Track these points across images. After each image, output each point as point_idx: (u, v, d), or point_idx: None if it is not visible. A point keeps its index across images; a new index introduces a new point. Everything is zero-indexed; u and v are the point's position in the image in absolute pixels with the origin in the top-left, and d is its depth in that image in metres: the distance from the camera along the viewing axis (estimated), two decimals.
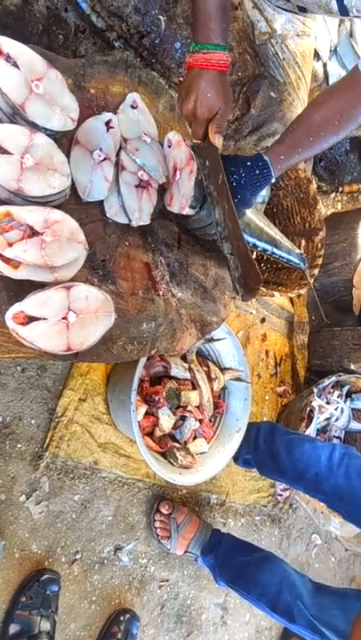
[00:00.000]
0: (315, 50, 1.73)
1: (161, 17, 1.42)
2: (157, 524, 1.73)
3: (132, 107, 1.18)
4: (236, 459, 1.88)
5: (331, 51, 1.92)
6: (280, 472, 1.74)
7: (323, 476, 1.59)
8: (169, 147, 1.19)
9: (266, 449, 1.78)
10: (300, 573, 1.65)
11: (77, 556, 1.55)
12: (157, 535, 1.72)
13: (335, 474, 1.57)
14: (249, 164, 1.15)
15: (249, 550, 1.75)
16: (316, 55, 1.80)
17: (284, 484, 1.93)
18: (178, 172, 1.17)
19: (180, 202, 1.16)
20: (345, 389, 2.26)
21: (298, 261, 1.56)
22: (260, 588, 1.60)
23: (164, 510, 1.73)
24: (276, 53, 1.51)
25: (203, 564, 1.78)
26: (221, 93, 1.09)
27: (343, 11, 1.24)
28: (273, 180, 1.20)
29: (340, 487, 1.56)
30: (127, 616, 1.62)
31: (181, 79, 1.51)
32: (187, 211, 1.14)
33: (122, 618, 1.60)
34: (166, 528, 1.73)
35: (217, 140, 1.10)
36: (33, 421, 1.48)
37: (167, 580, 1.79)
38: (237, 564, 1.69)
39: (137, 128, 1.18)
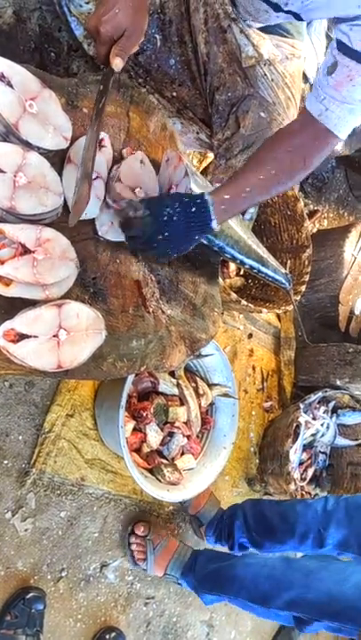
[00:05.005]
0: (303, 72, 1.76)
1: (157, 35, 1.44)
2: (133, 547, 1.69)
3: None
4: (231, 547, 1.79)
5: None
6: (281, 542, 1.65)
7: (324, 527, 1.54)
8: (166, 162, 1.20)
9: (258, 526, 1.70)
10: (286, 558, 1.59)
11: (63, 574, 1.54)
12: (133, 557, 1.69)
13: (335, 518, 1.54)
14: (187, 200, 1.08)
15: (224, 557, 1.70)
16: (304, 77, 1.84)
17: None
18: (174, 187, 1.18)
19: None
20: (331, 405, 2.27)
21: (283, 281, 1.58)
22: (237, 583, 1.54)
23: (140, 532, 1.69)
24: (265, 75, 1.54)
25: (187, 587, 1.72)
26: (131, 13, 1.01)
27: None
28: (214, 225, 1.10)
29: (343, 527, 1.52)
30: (113, 634, 1.60)
31: (174, 94, 1.54)
32: None
33: (107, 636, 1.59)
34: (142, 550, 1.69)
35: (115, 62, 1.01)
36: (20, 437, 1.47)
37: (153, 598, 1.78)
38: (212, 571, 1.64)
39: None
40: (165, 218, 1.05)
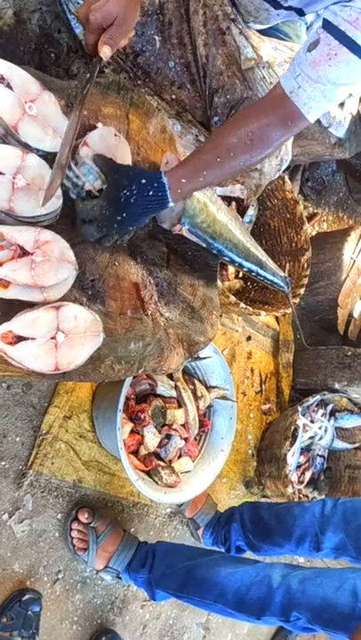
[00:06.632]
0: None
1: (156, 37, 1.44)
2: (74, 534, 1.54)
3: None
4: (228, 550, 1.75)
5: None
6: (278, 545, 1.62)
7: (321, 531, 1.53)
8: (166, 164, 1.21)
9: (255, 528, 1.67)
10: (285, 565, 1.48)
11: (60, 576, 1.53)
12: (73, 546, 1.54)
13: (333, 522, 1.52)
14: (144, 181, 1.03)
15: (193, 553, 1.57)
16: None
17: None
18: None
19: (172, 219, 1.17)
20: (329, 408, 2.28)
21: (282, 284, 1.57)
22: (216, 589, 1.42)
23: (83, 519, 1.54)
24: (264, 77, 1.54)
25: (129, 582, 1.60)
26: (122, 2, 1.00)
27: None
28: (170, 205, 1.08)
29: (340, 531, 1.50)
30: (109, 636, 1.60)
31: (174, 96, 1.54)
32: (180, 230, 1.15)
33: (103, 638, 1.59)
34: (84, 539, 1.54)
35: (103, 50, 1.00)
36: (17, 439, 1.46)
37: (149, 600, 1.77)
38: (183, 570, 1.50)
39: None
40: (123, 200, 1.02)
